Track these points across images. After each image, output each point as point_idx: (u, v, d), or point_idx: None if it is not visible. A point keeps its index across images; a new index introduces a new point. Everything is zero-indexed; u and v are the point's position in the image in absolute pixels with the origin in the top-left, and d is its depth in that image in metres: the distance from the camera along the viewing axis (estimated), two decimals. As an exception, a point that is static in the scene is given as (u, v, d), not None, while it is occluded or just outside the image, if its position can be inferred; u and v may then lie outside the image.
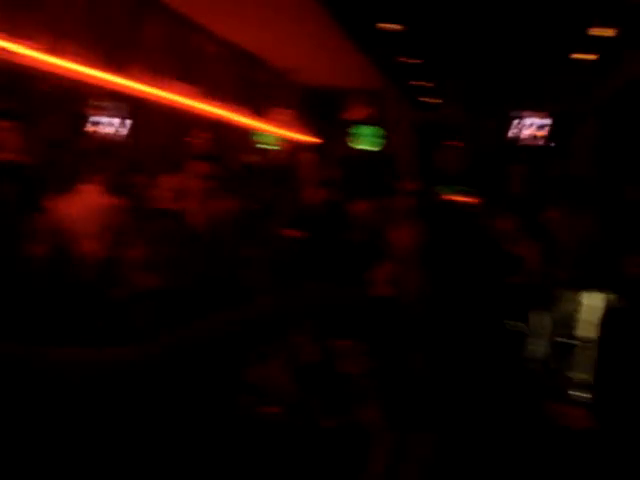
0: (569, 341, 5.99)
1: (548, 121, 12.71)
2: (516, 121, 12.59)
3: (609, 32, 8.27)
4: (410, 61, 10.48)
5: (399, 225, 2.62)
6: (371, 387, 2.40)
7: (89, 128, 7.16)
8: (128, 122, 7.49)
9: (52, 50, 5.96)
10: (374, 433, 1.83)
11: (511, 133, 12.53)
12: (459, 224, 1.65)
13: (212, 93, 9.14)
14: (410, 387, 1.71)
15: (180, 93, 8.11)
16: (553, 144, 12.77)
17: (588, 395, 5.30)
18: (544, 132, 12.70)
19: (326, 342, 2.85)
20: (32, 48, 5.56)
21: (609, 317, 4.79)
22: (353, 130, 13.62)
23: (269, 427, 2.45)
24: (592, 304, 5.83)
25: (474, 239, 1.70)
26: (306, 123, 12.69)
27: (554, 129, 12.71)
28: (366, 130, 13.59)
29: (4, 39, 5.17)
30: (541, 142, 12.88)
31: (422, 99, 13.59)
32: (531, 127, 12.59)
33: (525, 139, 12.63)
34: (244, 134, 10.39)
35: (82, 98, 6.90)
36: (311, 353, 2.71)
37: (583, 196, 6.46)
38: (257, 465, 2.18)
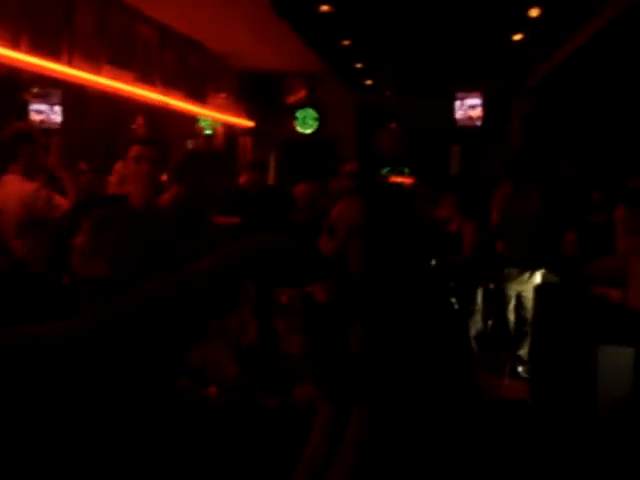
0: (510, 317, 6.13)
1: (479, 101, 12.84)
2: (457, 102, 12.69)
3: (537, 12, 8.42)
4: (346, 43, 10.49)
5: (339, 203, 2.65)
6: (309, 364, 2.41)
7: (23, 115, 7.05)
8: (62, 108, 7.38)
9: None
10: (313, 411, 1.84)
11: (457, 115, 12.64)
12: (397, 205, 1.68)
13: (148, 78, 9.05)
14: (346, 360, 1.73)
15: (114, 78, 8.01)
16: (488, 124, 12.93)
17: (525, 369, 5.43)
18: (479, 112, 12.84)
19: (267, 321, 2.86)
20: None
21: (543, 294, 4.90)
22: (292, 113, 13.62)
23: (208, 409, 2.45)
24: (535, 281, 5.97)
25: (411, 219, 1.74)
26: (244, 107, 12.65)
27: (490, 110, 12.87)
28: (305, 113, 13.60)
29: None
30: (478, 123, 13.02)
31: (361, 81, 13.62)
32: (467, 108, 12.72)
33: (461, 120, 12.75)
34: (182, 119, 10.31)
35: (14, 85, 6.78)
36: (251, 333, 2.72)
37: (528, 175, 6.59)
38: (196, 447, 2.18)
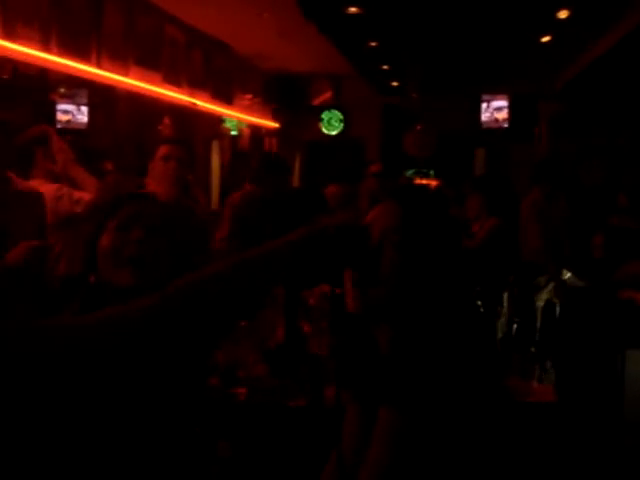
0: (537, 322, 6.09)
1: (506, 103, 12.80)
2: (484, 104, 12.65)
3: (566, 13, 8.36)
4: (373, 44, 10.48)
5: (372, 207, 2.67)
6: (336, 365, 2.41)
7: (53, 116, 7.11)
8: (90, 109, 7.43)
9: (10, 36, 5.89)
10: (341, 411, 1.84)
11: (483, 117, 12.61)
12: (433, 211, 1.68)
13: (175, 78, 9.09)
14: (374, 361, 1.72)
15: (142, 79, 8.05)
16: (515, 127, 12.87)
17: (552, 373, 5.38)
18: (505, 115, 12.79)
19: (294, 322, 2.86)
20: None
21: (570, 298, 4.87)
22: (318, 115, 13.62)
23: (237, 408, 2.46)
24: (562, 287, 5.93)
25: (441, 222, 1.74)
26: (270, 108, 12.67)
27: (517, 112, 12.81)
28: (331, 114, 13.61)
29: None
30: (504, 125, 12.97)
31: (387, 83, 13.59)
32: (494, 110, 12.67)
33: (487, 122, 12.71)
34: (208, 119, 10.35)
35: (42, 85, 6.84)
36: (279, 334, 2.73)
37: (557, 179, 6.56)
38: (225, 445, 2.19)
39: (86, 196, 4.29)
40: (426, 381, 1.65)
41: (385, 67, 12.23)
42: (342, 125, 13.51)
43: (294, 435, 2.36)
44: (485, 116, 12.97)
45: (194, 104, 9.41)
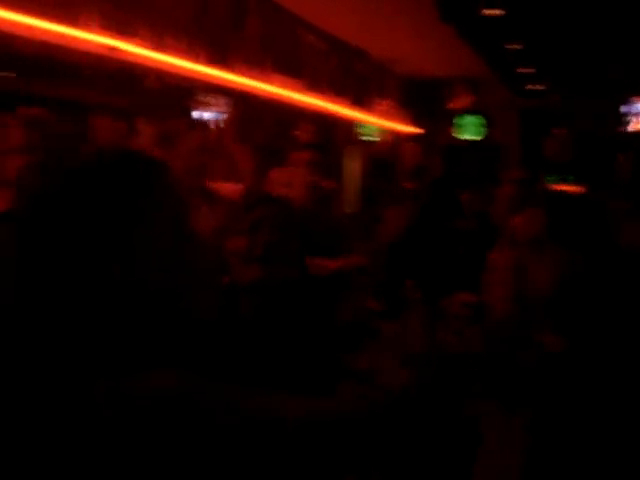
0: None
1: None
2: (626, 107, 12.18)
3: None
4: (512, 47, 10.26)
5: (519, 212, 2.60)
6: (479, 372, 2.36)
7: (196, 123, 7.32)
8: (231, 116, 7.60)
9: (156, 46, 6.09)
10: (484, 420, 1.80)
11: (623, 120, 12.13)
12: (581, 218, 1.61)
13: (313, 85, 9.19)
14: (521, 369, 1.68)
15: (282, 86, 8.18)
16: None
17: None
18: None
19: (434, 328, 2.82)
20: (138, 45, 5.70)
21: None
22: (456, 120, 13.47)
23: (375, 413, 2.43)
24: None
25: (587, 226, 1.65)
26: (408, 113, 12.61)
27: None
28: (469, 119, 13.42)
29: (111, 37, 5.31)
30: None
31: (526, 85, 13.30)
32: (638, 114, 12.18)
33: (632, 125, 12.22)
34: (343, 125, 10.41)
35: (188, 94, 7.05)
36: (419, 340, 2.69)
37: None
38: (363, 450, 2.17)
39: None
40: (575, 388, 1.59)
41: (527, 70, 11.96)
42: (482, 129, 13.30)
43: (437, 439, 2.31)
44: (629, 119, 12.49)
45: (334, 110, 9.46)
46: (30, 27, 4.55)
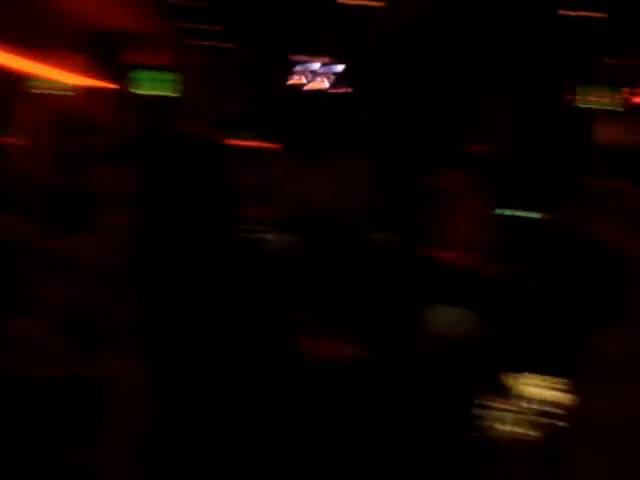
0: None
1: (335, 67, 12.95)
2: (298, 67, 12.72)
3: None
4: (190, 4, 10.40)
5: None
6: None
7: None
8: None
9: None
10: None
11: (295, 79, 12.72)
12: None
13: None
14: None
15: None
16: (340, 89, 13.04)
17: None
18: (329, 78, 13.00)
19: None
20: None
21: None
22: (137, 74, 13.30)
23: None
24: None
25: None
26: (96, 68, 12.25)
27: (341, 75, 12.97)
28: (152, 74, 13.36)
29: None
30: (327, 87, 13.14)
31: (208, 43, 13.55)
32: (314, 73, 12.83)
33: (309, 85, 12.87)
34: (23, 81, 9.92)
35: None
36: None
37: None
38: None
39: None
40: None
41: (205, 27, 12.09)
42: (165, 84, 13.28)
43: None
44: (307, 78, 13.12)
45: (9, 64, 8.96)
46: None
